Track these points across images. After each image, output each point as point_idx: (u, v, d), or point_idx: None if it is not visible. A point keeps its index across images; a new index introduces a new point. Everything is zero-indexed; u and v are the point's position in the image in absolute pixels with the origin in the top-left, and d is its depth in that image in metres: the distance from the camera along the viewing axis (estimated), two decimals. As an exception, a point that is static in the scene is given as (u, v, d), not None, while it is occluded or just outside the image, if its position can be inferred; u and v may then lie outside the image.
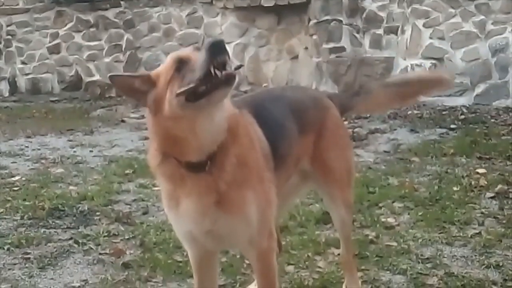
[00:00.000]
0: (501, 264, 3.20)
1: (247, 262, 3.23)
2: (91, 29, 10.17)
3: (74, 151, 6.18)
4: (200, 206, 2.13)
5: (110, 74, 2.15)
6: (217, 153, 2.09)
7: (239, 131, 2.15)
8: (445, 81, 2.89)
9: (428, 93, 2.95)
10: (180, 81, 1.98)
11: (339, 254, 3.11)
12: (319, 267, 3.25)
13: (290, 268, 3.22)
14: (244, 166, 2.15)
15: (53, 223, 4.01)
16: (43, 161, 5.79)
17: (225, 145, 2.10)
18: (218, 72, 1.91)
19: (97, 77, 10.16)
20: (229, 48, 9.63)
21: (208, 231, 2.19)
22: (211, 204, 2.12)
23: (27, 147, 6.41)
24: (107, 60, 10.13)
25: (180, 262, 3.29)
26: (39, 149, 6.30)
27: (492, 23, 7.67)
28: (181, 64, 1.99)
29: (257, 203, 2.18)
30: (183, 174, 2.11)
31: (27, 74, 10.38)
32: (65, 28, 10.23)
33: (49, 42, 10.28)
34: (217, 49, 1.90)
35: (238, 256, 3.31)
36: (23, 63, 10.40)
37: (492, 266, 3.19)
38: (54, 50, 10.28)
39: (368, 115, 7.30)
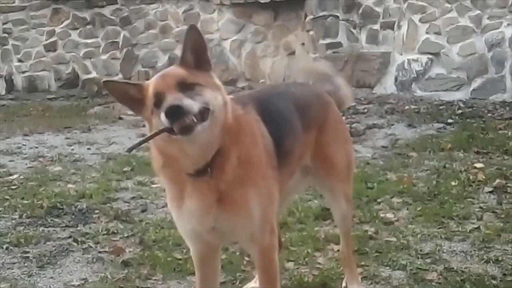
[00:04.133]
0: (500, 259, 3.21)
1: (247, 259, 3.23)
2: (88, 27, 10.13)
3: (72, 149, 6.17)
4: (202, 205, 2.15)
5: (104, 80, 2.19)
6: (216, 158, 2.13)
7: (241, 131, 2.17)
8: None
9: None
10: (158, 117, 2.04)
11: (338, 250, 3.11)
12: (319, 263, 3.26)
13: (289, 265, 3.22)
14: (247, 164, 2.17)
15: (52, 222, 4.00)
16: (40, 159, 5.78)
17: (224, 149, 2.13)
18: (176, 127, 1.99)
19: (94, 74, 10.13)
20: (226, 44, 9.69)
21: (211, 228, 2.21)
22: (213, 202, 2.15)
23: (24, 145, 6.40)
24: (104, 57, 10.10)
25: (180, 259, 3.29)
26: (36, 147, 6.28)
27: (488, 18, 7.67)
28: (158, 101, 2.05)
29: (259, 200, 2.21)
30: (184, 177, 2.15)
31: (23, 72, 10.33)
32: (61, 26, 10.19)
33: (46, 40, 10.24)
34: (173, 115, 1.97)
35: (238, 253, 3.31)
36: (19, 61, 10.35)
37: (491, 261, 3.19)
38: (51, 47, 10.24)
39: (365, 111, 7.31)
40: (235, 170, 2.14)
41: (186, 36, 2.13)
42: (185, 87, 2.04)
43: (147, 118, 2.12)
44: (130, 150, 2.17)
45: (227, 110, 2.12)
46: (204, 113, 2.02)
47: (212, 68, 2.15)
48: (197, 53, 2.12)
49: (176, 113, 1.97)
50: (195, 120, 1.99)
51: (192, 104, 1.99)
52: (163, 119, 1.99)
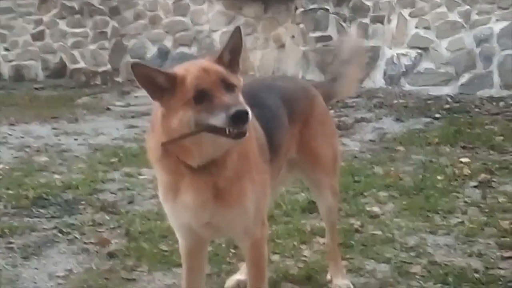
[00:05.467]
0: (483, 253, 3.24)
1: (232, 251, 3.24)
2: (76, 16, 10.05)
3: (59, 139, 6.13)
4: (199, 200, 2.15)
5: (133, 62, 2.11)
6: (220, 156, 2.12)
7: None
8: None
9: None
10: (196, 112, 2.00)
11: (324, 243, 3.13)
12: (305, 256, 3.27)
13: (275, 257, 3.23)
14: (243, 159, 2.19)
15: (37, 212, 3.98)
16: (27, 149, 5.74)
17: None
18: (234, 131, 1.98)
19: (82, 64, 10.07)
20: (216, 36, 9.67)
21: (206, 223, 2.21)
22: (210, 198, 2.15)
23: (10, 135, 6.34)
24: (92, 47, 10.04)
25: (166, 251, 3.29)
26: (22, 137, 6.23)
27: (477, 13, 7.70)
28: (201, 96, 2.01)
29: (254, 194, 2.22)
30: (183, 170, 2.13)
31: (10, 61, 10.25)
32: (49, 15, 10.10)
33: (33, 29, 10.15)
34: (240, 120, 1.96)
35: (223, 246, 3.32)
36: (6, 49, 10.26)
37: (474, 255, 3.23)
38: (38, 37, 10.16)
39: (354, 104, 7.32)
40: (234, 165, 2.15)
41: (231, 36, 2.16)
42: (227, 86, 2.03)
43: (171, 107, 2.04)
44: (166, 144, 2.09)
45: None
46: None
47: (239, 71, 2.17)
48: (233, 54, 2.15)
49: (242, 118, 1.96)
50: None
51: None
52: (222, 119, 1.95)
